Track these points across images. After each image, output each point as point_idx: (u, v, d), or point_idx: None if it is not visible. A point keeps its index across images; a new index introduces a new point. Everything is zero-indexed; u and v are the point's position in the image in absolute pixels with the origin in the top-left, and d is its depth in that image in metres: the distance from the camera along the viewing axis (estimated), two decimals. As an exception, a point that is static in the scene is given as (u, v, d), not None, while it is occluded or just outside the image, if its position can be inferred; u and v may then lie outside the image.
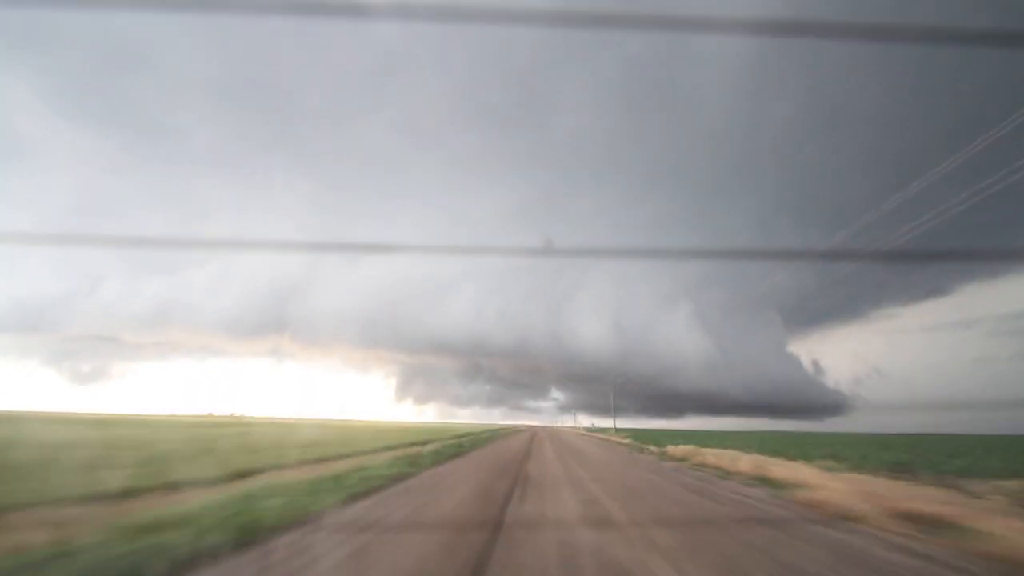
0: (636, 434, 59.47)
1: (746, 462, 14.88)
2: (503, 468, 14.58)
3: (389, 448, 19.15)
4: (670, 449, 24.02)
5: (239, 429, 34.33)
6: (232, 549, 4.83)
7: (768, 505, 8.98)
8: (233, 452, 14.56)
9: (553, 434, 69.11)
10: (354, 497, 8.07)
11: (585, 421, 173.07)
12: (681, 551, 5.31)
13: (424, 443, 23.53)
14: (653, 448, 28.18)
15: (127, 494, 7.42)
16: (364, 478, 9.71)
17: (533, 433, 67.72)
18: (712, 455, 18.03)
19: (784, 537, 6.22)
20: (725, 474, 14.17)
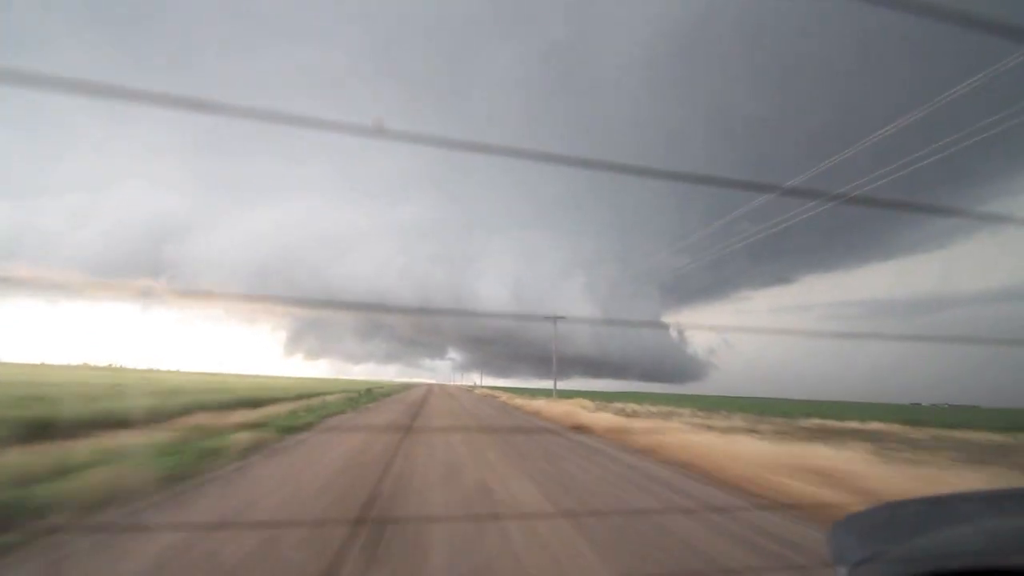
0: (515, 391, 72.87)
1: (553, 406, 24.86)
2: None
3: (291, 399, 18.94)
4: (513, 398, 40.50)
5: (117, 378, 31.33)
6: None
7: (528, 419, 21.15)
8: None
9: (443, 390, 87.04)
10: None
11: (479, 380, 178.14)
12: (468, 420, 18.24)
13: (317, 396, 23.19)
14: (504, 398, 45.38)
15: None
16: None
17: (429, 388, 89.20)
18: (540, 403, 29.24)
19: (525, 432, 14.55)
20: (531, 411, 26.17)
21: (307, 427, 11.29)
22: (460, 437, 11.42)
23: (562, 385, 44.23)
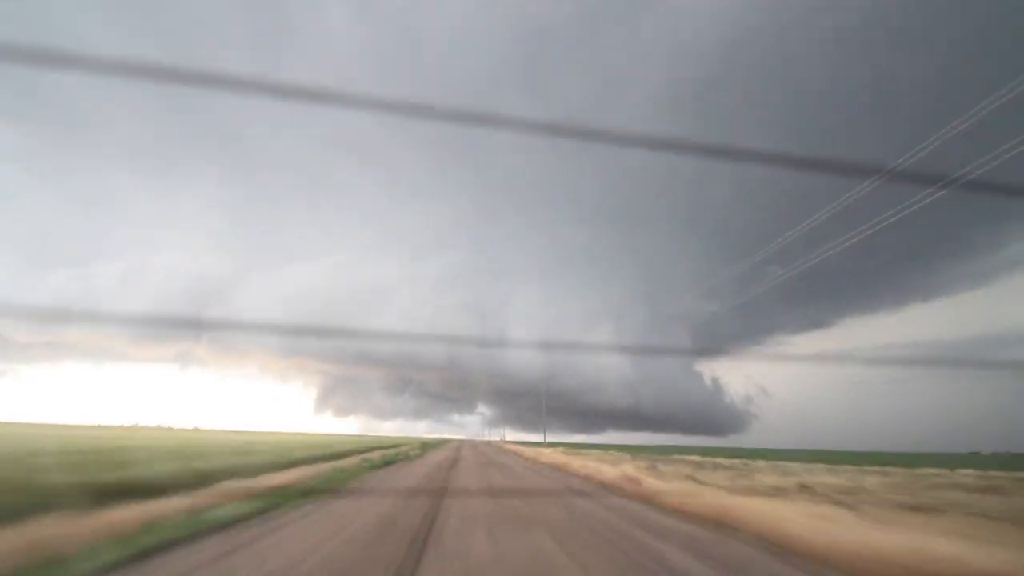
0: (541, 444, 74.89)
1: (568, 459, 26.42)
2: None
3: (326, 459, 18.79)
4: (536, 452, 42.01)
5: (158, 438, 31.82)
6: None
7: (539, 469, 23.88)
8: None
9: (473, 446, 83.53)
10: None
11: (510, 435, 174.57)
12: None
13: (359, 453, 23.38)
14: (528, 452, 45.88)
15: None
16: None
17: (460, 444, 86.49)
18: (559, 456, 30.64)
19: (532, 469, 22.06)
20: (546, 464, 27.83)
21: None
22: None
23: (596, 439, 42.87)
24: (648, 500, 11.72)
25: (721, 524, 8.64)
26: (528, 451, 49.20)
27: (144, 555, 5.38)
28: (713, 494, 10.88)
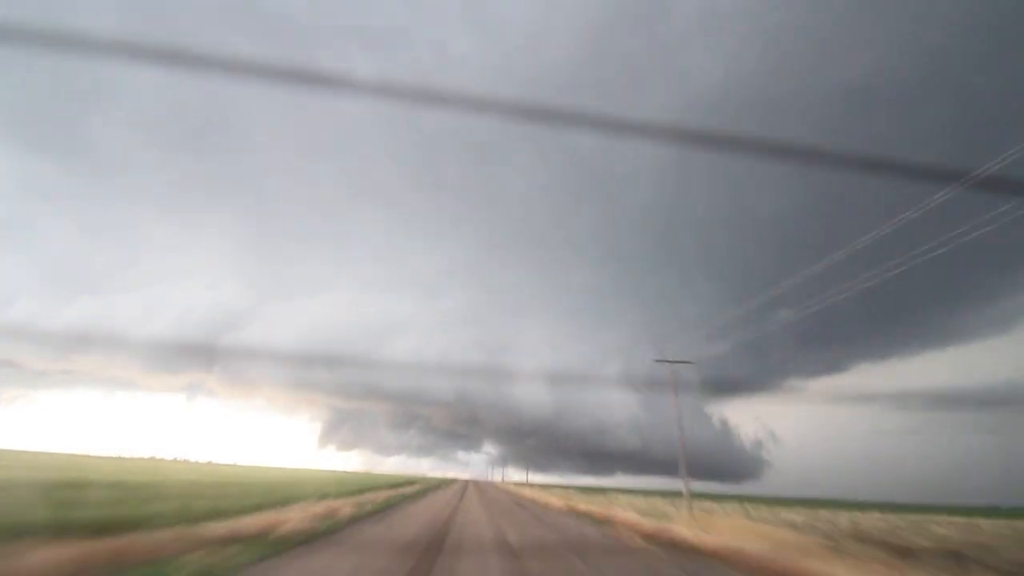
0: (544, 488, 72.32)
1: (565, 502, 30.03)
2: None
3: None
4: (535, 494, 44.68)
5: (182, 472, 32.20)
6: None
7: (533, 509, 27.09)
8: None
9: (481, 488, 75.64)
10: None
11: (516, 475, 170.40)
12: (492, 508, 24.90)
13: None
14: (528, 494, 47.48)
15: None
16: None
17: (465, 485, 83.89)
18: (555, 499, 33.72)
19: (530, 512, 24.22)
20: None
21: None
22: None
23: (604, 483, 41.38)
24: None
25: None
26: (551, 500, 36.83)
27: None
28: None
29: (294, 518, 12.75)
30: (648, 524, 17.61)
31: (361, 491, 27.47)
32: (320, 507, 16.34)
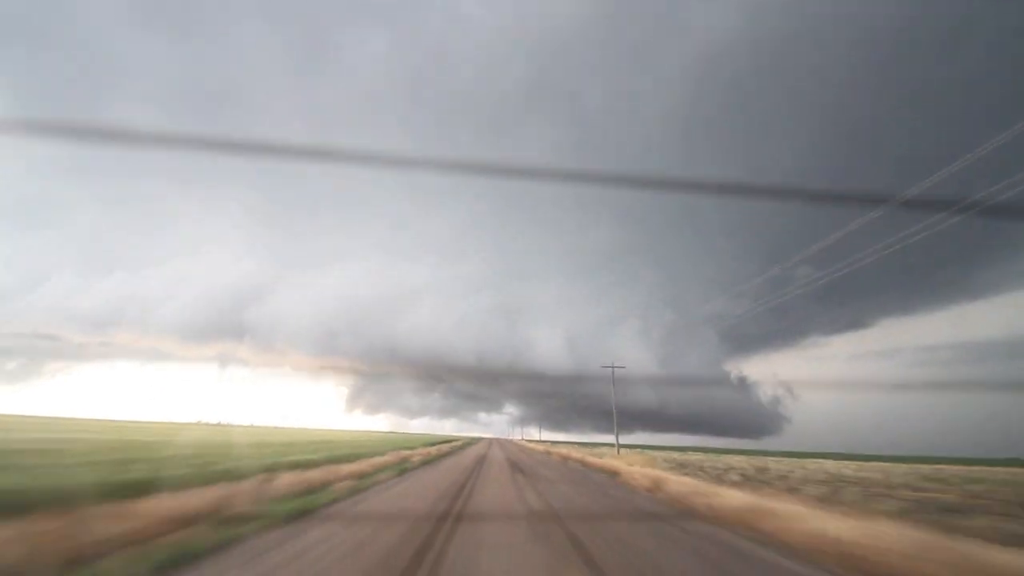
0: (550, 443, 79.15)
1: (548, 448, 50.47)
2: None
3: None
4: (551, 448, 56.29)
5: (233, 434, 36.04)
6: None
7: (525, 449, 54.70)
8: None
9: (501, 443, 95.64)
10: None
11: (536, 434, 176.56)
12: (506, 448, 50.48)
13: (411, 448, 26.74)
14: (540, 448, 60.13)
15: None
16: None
17: (490, 442, 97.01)
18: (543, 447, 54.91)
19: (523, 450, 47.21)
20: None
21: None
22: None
23: (623, 440, 43.79)
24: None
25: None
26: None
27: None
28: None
29: (406, 456, 16.69)
30: (590, 459, 27.64)
31: (415, 446, 30.98)
32: (407, 454, 20.11)
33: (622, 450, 42.58)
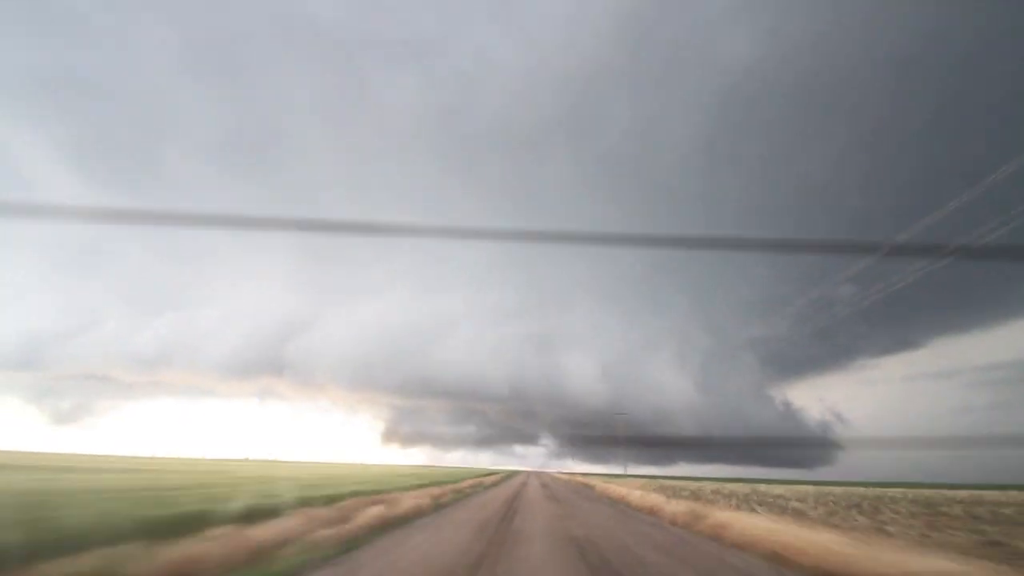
0: (582, 475, 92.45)
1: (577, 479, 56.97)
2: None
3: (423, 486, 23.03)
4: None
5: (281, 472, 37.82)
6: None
7: (558, 479, 65.78)
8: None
9: (537, 474, 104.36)
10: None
11: (575, 467, 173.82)
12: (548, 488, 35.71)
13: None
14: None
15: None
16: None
17: (527, 475, 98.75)
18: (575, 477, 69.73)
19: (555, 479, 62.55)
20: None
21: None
22: None
23: (666, 472, 43.73)
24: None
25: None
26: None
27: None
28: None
29: (460, 487, 18.05)
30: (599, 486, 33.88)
31: (460, 479, 32.18)
32: (457, 486, 21.32)
33: (655, 481, 42.40)
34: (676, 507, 14.06)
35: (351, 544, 8.14)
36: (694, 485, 43.31)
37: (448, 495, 18.95)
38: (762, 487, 49.50)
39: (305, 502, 10.92)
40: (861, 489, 54.44)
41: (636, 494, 19.72)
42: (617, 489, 25.64)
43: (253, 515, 8.29)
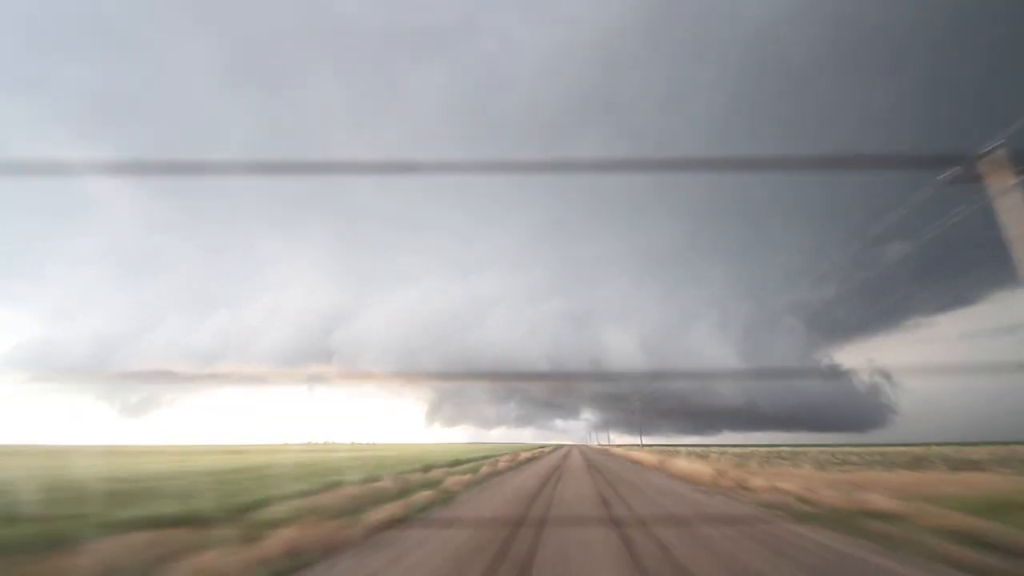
0: (623, 446, 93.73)
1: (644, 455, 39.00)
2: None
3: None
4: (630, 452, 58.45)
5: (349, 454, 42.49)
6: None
7: (596, 451, 74.23)
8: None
9: (579, 448, 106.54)
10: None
11: (616, 439, 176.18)
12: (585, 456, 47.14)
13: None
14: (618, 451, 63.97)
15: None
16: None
17: (569, 448, 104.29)
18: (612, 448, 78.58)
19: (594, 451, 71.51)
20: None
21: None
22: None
23: (710, 441, 45.27)
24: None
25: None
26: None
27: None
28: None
29: (518, 458, 21.26)
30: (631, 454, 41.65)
31: (518, 451, 36.28)
32: (514, 457, 24.62)
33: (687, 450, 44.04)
34: (656, 460, 24.77)
35: (482, 481, 15.21)
36: (730, 451, 45.79)
37: (513, 461, 24.16)
38: (786, 450, 51.85)
39: (428, 467, 17.15)
40: (902, 448, 54.17)
41: (652, 459, 26.50)
42: (641, 455, 34.41)
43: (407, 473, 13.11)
